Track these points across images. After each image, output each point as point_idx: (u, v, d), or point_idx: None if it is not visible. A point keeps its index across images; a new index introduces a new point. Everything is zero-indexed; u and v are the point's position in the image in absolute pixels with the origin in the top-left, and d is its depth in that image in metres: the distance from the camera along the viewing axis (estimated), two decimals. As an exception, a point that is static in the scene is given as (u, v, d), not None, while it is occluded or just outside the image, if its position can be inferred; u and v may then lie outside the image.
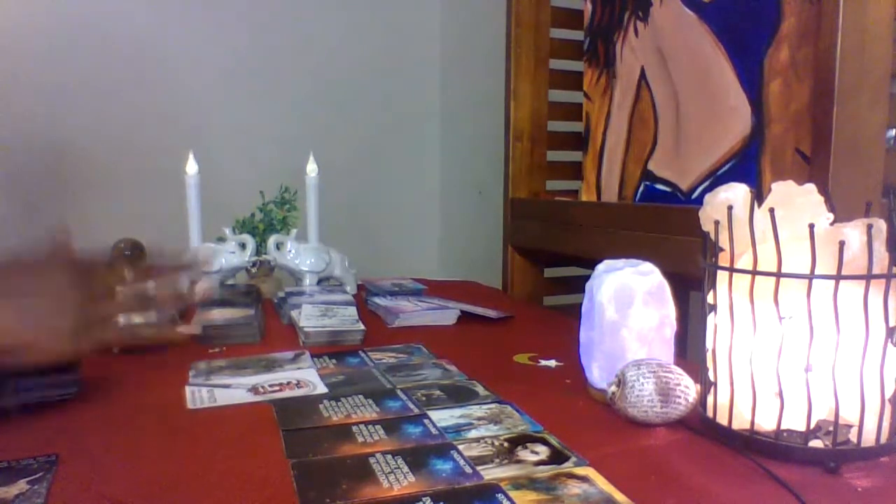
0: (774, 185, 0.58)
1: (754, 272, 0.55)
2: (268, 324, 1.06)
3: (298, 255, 1.27)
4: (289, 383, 0.74)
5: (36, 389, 0.65)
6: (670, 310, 0.69)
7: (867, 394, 0.53)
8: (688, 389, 0.61)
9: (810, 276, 0.52)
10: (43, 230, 0.57)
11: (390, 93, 2.00)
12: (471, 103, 2.02)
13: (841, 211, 0.57)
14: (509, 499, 0.47)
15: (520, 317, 1.13)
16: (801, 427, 0.54)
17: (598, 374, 0.69)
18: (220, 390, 0.72)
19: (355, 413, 0.65)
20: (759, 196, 0.58)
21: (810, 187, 0.57)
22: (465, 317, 1.08)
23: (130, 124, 1.73)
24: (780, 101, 0.98)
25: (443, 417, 0.63)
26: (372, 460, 0.53)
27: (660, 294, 0.69)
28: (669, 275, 0.71)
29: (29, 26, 1.62)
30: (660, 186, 1.22)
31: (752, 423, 0.56)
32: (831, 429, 0.53)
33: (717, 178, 1.08)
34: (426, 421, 0.62)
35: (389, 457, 0.54)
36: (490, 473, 0.51)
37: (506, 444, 0.57)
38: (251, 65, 1.84)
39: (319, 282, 1.28)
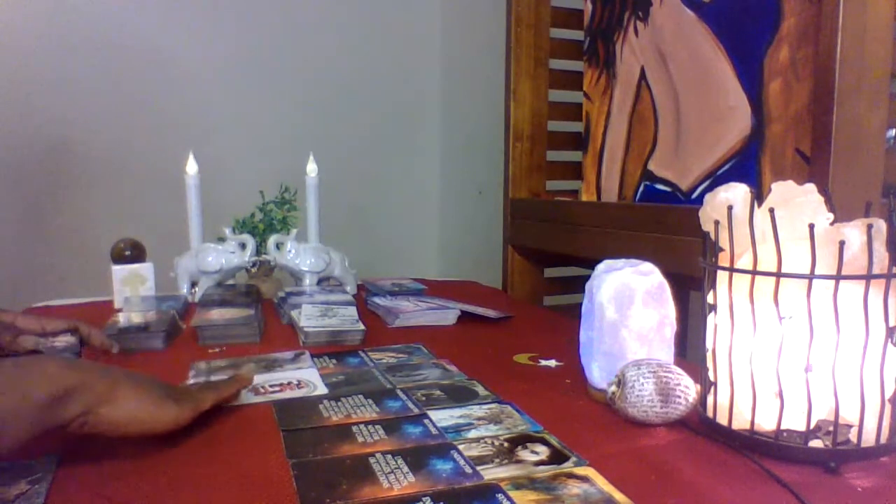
0: (774, 185, 0.58)
1: (754, 272, 0.55)
2: (268, 324, 1.06)
3: (298, 255, 1.27)
4: (289, 383, 0.74)
5: None
6: (670, 310, 0.69)
7: (867, 394, 0.53)
8: (688, 389, 0.61)
9: (810, 276, 0.52)
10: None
11: (390, 93, 2.00)
12: (471, 103, 2.02)
13: (841, 211, 0.57)
14: (509, 499, 0.47)
15: (520, 317, 1.13)
16: (801, 427, 0.54)
17: (598, 374, 0.69)
18: (220, 390, 0.72)
19: (355, 413, 0.65)
20: (759, 196, 0.58)
21: (810, 187, 0.57)
22: (465, 317, 1.08)
23: (131, 124, 1.73)
24: (780, 101, 0.98)
25: (443, 417, 0.63)
26: (372, 460, 0.53)
27: (660, 294, 0.69)
28: (669, 275, 0.71)
29: (30, 26, 1.62)
30: (660, 186, 1.22)
31: (752, 423, 0.56)
32: (831, 429, 0.53)
33: (717, 178, 1.08)
34: (426, 421, 0.62)
35: (389, 457, 0.54)
36: (490, 473, 0.51)
37: (506, 444, 0.57)
38: (252, 65, 1.84)
39: (319, 282, 1.28)
